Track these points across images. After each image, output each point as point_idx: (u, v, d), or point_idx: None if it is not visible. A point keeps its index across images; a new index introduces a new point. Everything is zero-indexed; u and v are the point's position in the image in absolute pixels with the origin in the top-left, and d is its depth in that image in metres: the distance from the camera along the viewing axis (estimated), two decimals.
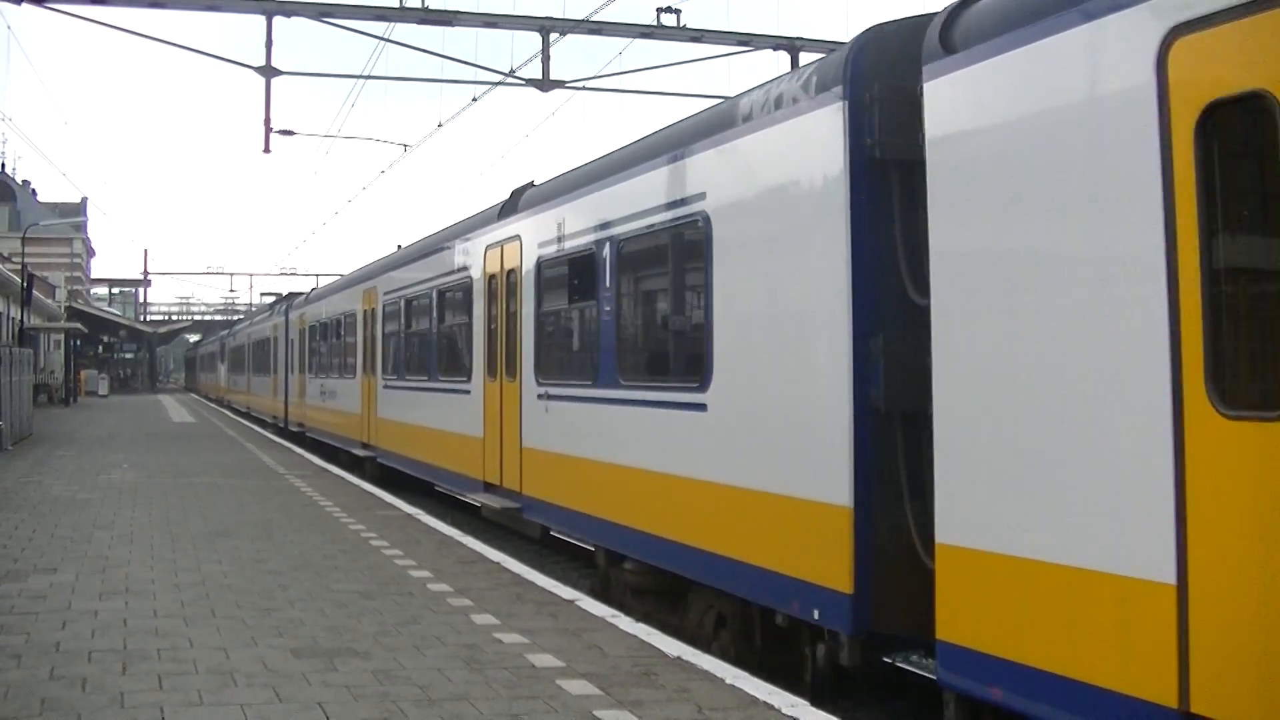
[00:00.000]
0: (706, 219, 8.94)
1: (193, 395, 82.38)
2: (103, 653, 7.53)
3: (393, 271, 21.14)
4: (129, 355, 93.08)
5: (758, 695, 6.67)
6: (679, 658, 7.55)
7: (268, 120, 21.34)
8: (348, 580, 10.24)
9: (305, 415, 30.77)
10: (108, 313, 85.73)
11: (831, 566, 7.22)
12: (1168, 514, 5.01)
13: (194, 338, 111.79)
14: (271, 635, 8.10)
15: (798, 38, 22.04)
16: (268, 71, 20.33)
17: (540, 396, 12.57)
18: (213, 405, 59.88)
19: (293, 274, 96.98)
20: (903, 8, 10.45)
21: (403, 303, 19.88)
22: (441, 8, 20.26)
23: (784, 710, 6.40)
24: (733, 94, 9.66)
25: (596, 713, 6.32)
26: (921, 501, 6.89)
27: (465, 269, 15.92)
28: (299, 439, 30.67)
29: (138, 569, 10.66)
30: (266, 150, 21.92)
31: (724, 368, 8.73)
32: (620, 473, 10.52)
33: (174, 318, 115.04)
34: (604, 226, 10.98)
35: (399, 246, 23.70)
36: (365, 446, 22.68)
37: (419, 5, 20.18)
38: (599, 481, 10.98)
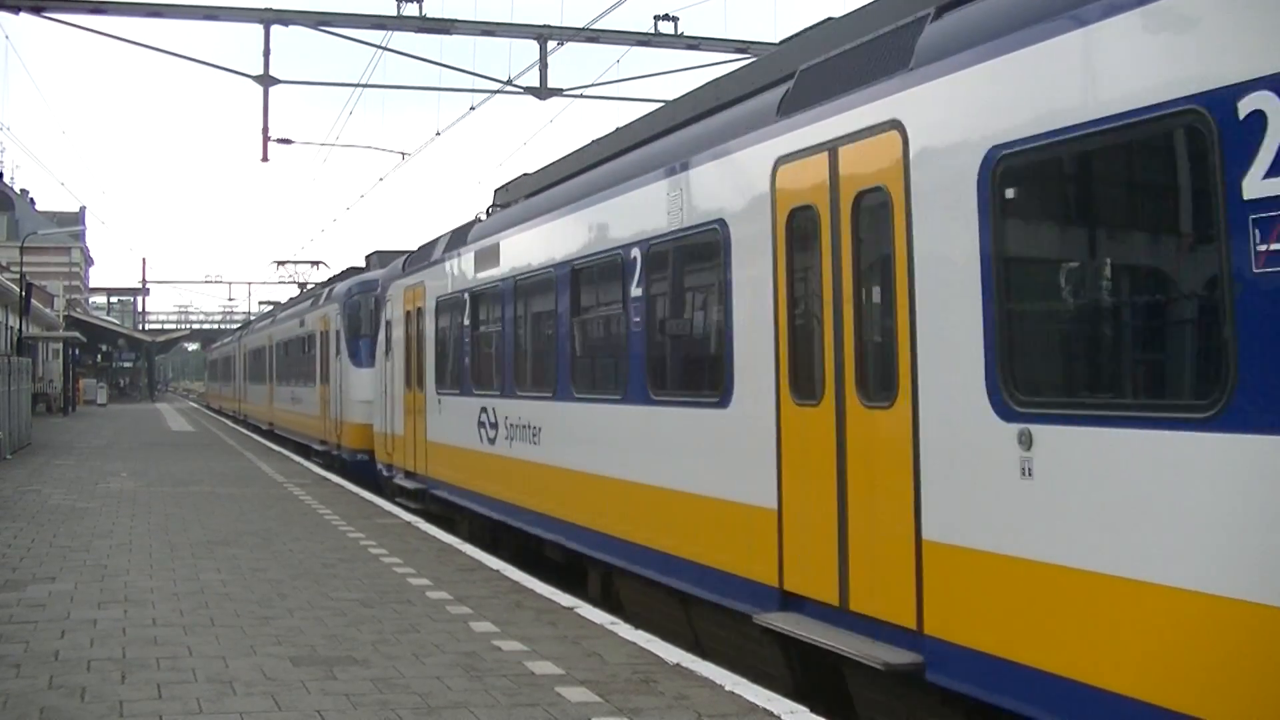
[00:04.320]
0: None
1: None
2: (102, 661, 7.53)
3: None
4: (127, 364, 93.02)
5: (756, 702, 6.67)
6: (678, 665, 7.55)
7: (266, 129, 21.41)
8: (347, 588, 10.24)
9: None
10: (106, 322, 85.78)
11: None
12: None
13: (193, 346, 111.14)
14: (270, 644, 8.10)
15: None
16: (266, 80, 20.40)
17: None
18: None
19: (291, 281, 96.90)
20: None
21: None
22: (439, 16, 20.35)
23: (784, 716, 6.39)
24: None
25: None
26: None
27: None
28: None
29: (137, 578, 10.66)
30: (265, 159, 22.02)
31: None
32: None
33: (169, 325, 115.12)
34: None
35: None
36: None
37: (416, 14, 20.25)
38: None
